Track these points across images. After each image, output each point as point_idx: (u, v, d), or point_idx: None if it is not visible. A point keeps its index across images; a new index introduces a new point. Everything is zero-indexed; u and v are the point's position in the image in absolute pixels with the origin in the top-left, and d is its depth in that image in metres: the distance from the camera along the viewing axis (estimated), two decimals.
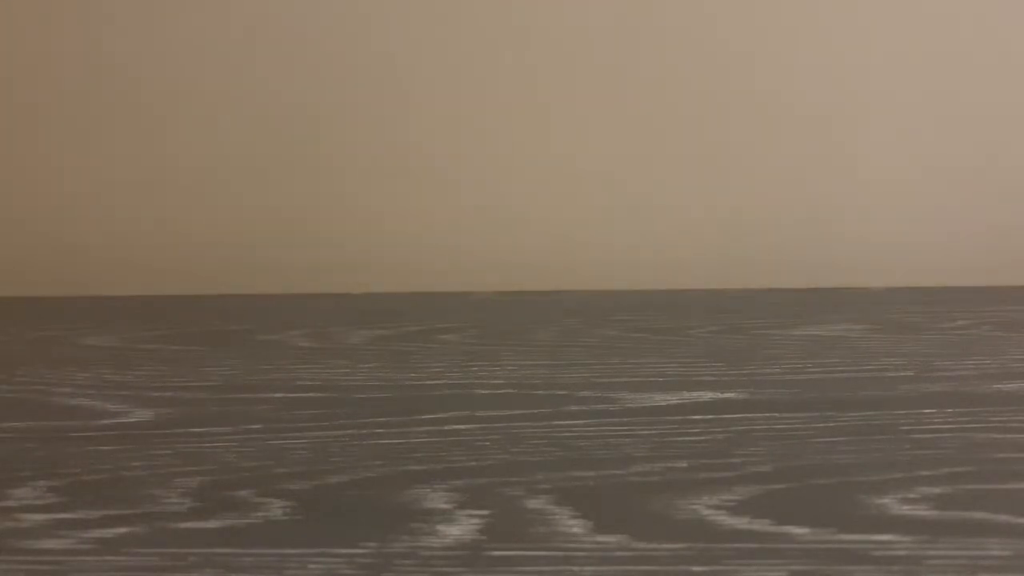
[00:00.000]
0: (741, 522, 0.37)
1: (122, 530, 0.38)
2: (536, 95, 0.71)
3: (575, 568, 0.35)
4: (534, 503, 0.39)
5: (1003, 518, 0.37)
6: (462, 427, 0.46)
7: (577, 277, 0.71)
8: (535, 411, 0.48)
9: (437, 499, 0.39)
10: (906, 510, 0.38)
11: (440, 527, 0.37)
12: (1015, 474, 0.41)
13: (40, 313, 0.66)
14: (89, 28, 0.71)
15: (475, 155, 0.72)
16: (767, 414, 0.47)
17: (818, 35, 0.69)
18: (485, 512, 0.38)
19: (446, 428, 0.46)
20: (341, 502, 0.40)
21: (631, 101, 0.71)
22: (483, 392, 0.51)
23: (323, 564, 0.35)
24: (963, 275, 0.69)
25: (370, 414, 0.48)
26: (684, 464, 0.42)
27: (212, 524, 0.38)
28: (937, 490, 0.39)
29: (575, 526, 0.37)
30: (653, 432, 0.45)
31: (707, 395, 0.50)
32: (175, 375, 0.54)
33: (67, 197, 0.73)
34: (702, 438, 0.45)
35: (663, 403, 0.49)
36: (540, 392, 0.51)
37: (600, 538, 0.36)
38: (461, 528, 0.37)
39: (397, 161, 0.72)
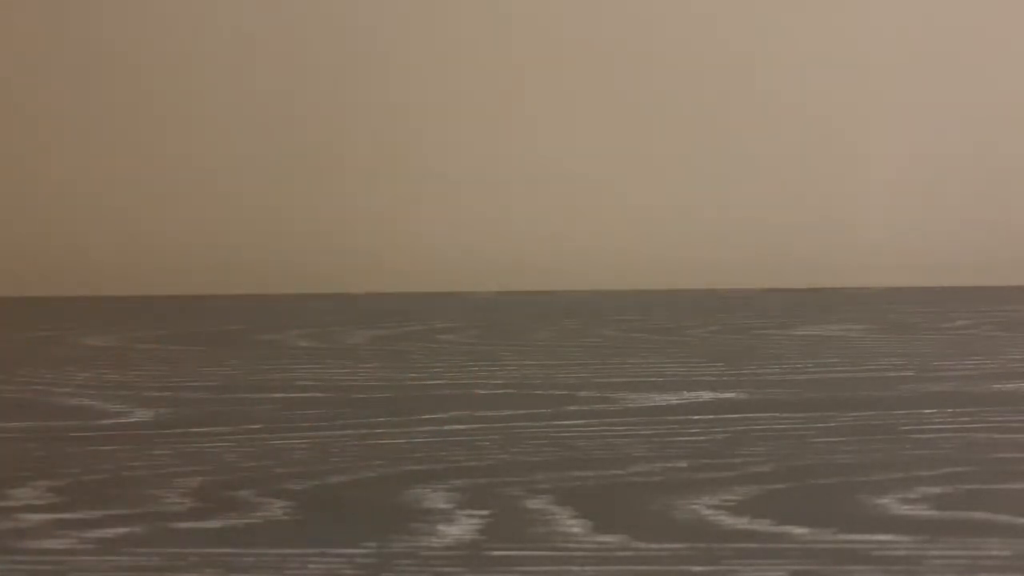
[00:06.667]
0: (741, 522, 0.37)
1: (122, 530, 0.38)
2: (536, 95, 0.71)
3: (575, 568, 0.35)
4: (534, 503, 0.39)
5: (1003, 518, 0.37)
6: (462, 427, 0.46)
7: (577, 277, 0.71)
8: (535, 411, 0.48)
9: (437, 499, 0.39)
10: (906, 510, 0.38)
11: (440, 527, 0.37)
12: (1015, 474, 0.41)
13: (40, 313, 0.66)
14: (90, 28, 0.70)
15: (475, 155, 0.72)
16: (767, 414, 0.47)
17: (818, 34, 0.69)
18: (485, 512, 0.38)
19: (446, 428, 0.46)
20: (341, 502, 0.40)
21: (631, 101, 0.70)
22: (483, 392, 0.51)
23: (323, 564, 0.35)
24: (963, 275, 0.69)
25: (370, 414, 0.48)
26: (684, 464, 0.42)
27: (212, 524, 0.38)
28: (937, 490, 0.39)
29: (575, 526, 0.37)
30: (653, 432, 0.45)
31: (707, 395, 0.50)
32: (175, 375, 0.54)
33: (67, 197, 0.72)
34: (702, 438, 0.45)
35: (663, 403, 0.49)
36: (540, 392, 0.51)
37: (600, 538, 0.36)
38: (461, 528, 0.37)
39: (397, 161, 0.72)
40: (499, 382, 0.52)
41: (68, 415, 0.49)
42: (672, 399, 0.49)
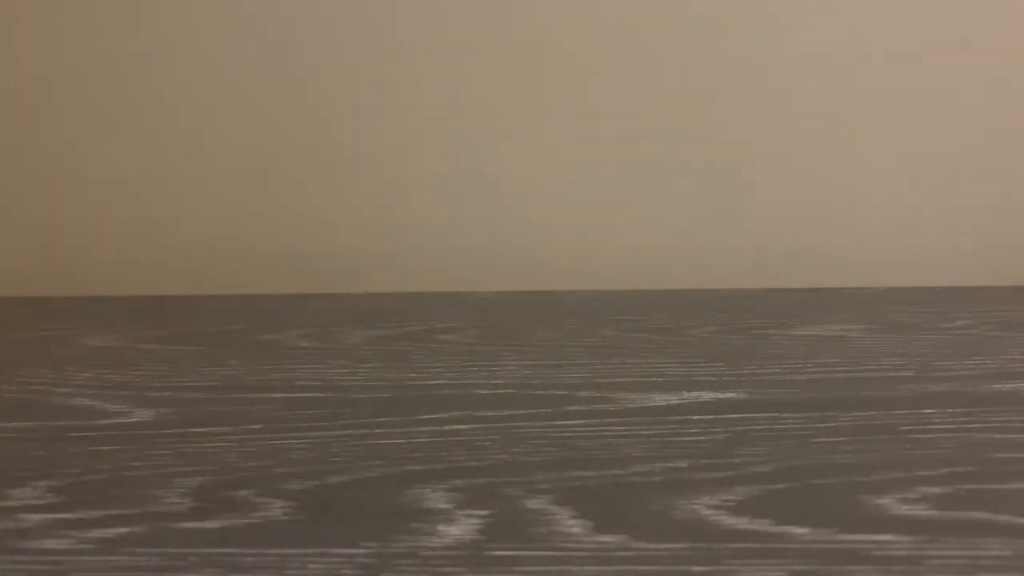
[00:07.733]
0: (741, 522, 0.37)
1: (122, 530, 0.38)
2: (536, 95, 0.71)
3: (575, 568, 0.35)
4: (534, 503, 0.39)
5: (1003, 518, 0.37)
6: (462, 427, 0.46)
7: (577, 277, 0.71)
8: (535, 411, 0.48)
9: (437, 499, 0.39)
10: (906, 510, 0.38)
11: (440, 527, 0.37)
12: (1015, 474, 0.41)
13: (40, 313, 0.66)
14: (89, 27, 0.70)
15: (475, 155, 0.72)
16: (767, 414, 0.47)
17: (817, 34, 0.69)
18: (485, 512, 0.38)
19: (446, 428, 0.46)
20: (341, 502, 0.40)
21: (631, 101, 0.70)
22: (483, 392, 0.51)
23: (323, 564, 0.35)
24: (963, 275, 0.69)
25: (370, 414, 0.48)
26: (684, 464, 0.42)
27: (212, 524, 0.38)
28: (937, 490, 0.39)
29: (575, 526, 0.37)
30: (653, 432, 0.45)
31: (707, 395, 0.50)
32: (175, 375, 0.54)
33: (67, 197, 0.72)
34: (702, 438, 0.45)
35: (663, 403, 0.49)
36: (540, 392, 0.51)
37: (600, 538, 0.36)
38: (461, 528, 0.37)
39: (397, 161, 0.72)
40: (499, 382, 0.52)
41: (68, 415, 0.49)
42: (672, 399, 0.49)
